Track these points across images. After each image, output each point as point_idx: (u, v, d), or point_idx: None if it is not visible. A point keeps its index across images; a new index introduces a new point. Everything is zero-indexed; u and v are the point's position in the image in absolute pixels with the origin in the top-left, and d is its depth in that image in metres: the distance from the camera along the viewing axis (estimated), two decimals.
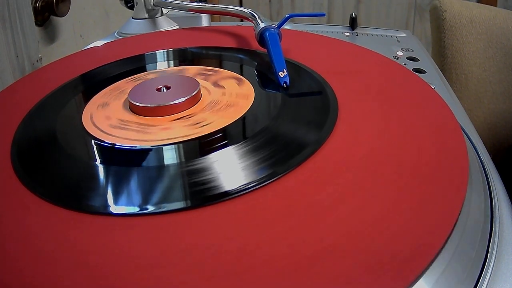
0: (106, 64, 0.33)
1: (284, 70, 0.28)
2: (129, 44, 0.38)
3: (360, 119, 0.23)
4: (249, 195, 0.18)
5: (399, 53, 0.43)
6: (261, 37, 0.32)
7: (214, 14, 0.45)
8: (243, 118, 0.24)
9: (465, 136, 0.27)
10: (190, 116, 0.25)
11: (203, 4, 0.43)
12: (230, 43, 0.36)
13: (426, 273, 0.15)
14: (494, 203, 0.20)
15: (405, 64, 0.40)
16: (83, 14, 0.65)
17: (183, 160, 0.21)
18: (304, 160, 0.20)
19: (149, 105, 0.25)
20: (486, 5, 0.67)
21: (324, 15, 0.34)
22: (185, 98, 0.26)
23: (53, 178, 0.21)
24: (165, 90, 0.27)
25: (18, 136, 0.25)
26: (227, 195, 0.18)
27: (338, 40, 0.36)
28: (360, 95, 0.26)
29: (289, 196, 0.18)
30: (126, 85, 0.30)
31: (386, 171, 0.19)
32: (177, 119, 0.25)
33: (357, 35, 0.49)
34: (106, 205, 0.19)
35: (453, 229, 0.17)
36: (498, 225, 0.19)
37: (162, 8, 0.47)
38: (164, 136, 0.23)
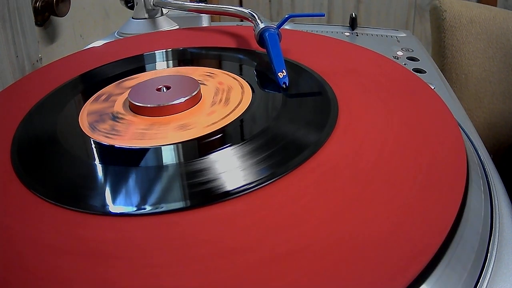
0: (106, 64, 0.33)
1: (284, 70, 0.28)
2: (129, 44, 0.38)
3: (360, 120, 0.23)
4: (248, 196, 0.18)
5: (399, 53, 0.43)
6: (261, 38, 0.32)
7: (214, 14, 0.45)
8: (242, 118, 0.24)
9: (465, 136, 0.27)
10: (189, 117, 0.25)
11: (203, 4, 0.43)
12: (229, 43, 0.36)
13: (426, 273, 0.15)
14: (494, 203, 0.20)
15: (405, 64, 0.40)
16: (83, 14, 0.65)
17: (182, 160, 0.21)
18: (304, 161, 0.20)
19: (149, 105, 0.25)
20: (486, 5, 0.67)
21: (323, 15, 0.34)
22: (185, 98, 0.26)
23: (53, 178, 0.21)
24: (165, 90, 0.27)
25: (18, 136, 0.25)
26: (227, 196, 0.18)
27: (338, 40, 0.36)
28: (360, 95, 0.26)
29: (288, 196, 0.18)
30: (126, 84, 0.30)
31: (385, 171, 0.19)
32: (178, 119, 0.25)
33: (357, 35, 0.49)
34: (106, 205, 0.19)
35: (452, 229, 0.17)
36: (498, 225, 0.19)
37: (162, 8, 0.47)
38: (164, 136, 0.23)
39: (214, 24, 0.52)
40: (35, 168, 0.22)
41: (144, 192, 0.19)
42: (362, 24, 0.52)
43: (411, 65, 0.40)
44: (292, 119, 0.24)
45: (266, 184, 0.19)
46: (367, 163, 0.20)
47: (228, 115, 0.25)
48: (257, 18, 0.34)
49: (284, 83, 0.27)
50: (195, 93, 0.26)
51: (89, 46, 0.43)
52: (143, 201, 0.19)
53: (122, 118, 0.25)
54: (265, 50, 0.31)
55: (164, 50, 0.36)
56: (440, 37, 0.61)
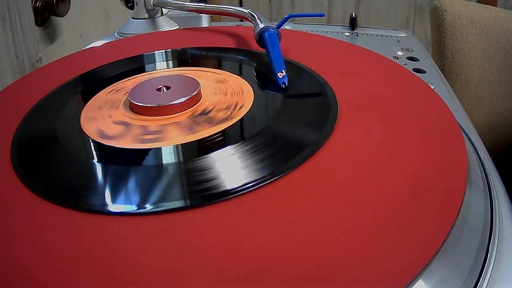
0: (106, 64, 0.33)
1: (283, 70, 0.28)
2: (129, 44, 0.38)
3: (360, 120, 0.23)
4: (248, 195, 0.18)
5: (399, 53, 0.43)
6: (260, 38, 0.32)
7: (214, 14, 0.45)
8: (242, 118, 0.24)
9: (465, 136, 0.27)
10: (189, 117, 0.25)
11: (203, 4, 0.43)
12: (230, 43, 0.36)
13: (426, 273, 0.15)
14: (494, 203, 0.20)
15: (405, 64, 0.40)
16: (83, 14, 0.65)
17: (182, 159, 0.21)
18: (304, 160, 0.20)
19: (149, 105, 0.25)
20: (486, 5, 0.67)
21: (323, 15, 0.34)
22: (185, 98, 0.26)
23: (53, 178, 0.21)
24: (165, 90, 0.27)
25: (18, 136, 0.25)
26: (226, 195, 0.18)
27: (338, 40, 0.36)
28: (360, 96, 0.26)
29: (288, 196, 0.18)
30: (126, 85, 0.30)
31: (386, 171, 0.19)
32: (176, 119, 0.25)
33: (357, 35, 0.49)
34: (106, 204, 0.19)
35: (452, 229, 0.17)
36: (498, 225, 0.19)
37: (162, 8, 0.47)
38: (164, 135, 0.23)
39: (214, 24, 0.52)
40: (35, 168, 0.22)
41: (144, 191, 0.19)
42: (362, 24, 0.52)
43: (411, 65, 0.40)
44: (292, 119, 0.24)
45: (266, 184, 0.19)
46: (367, 162, 0.20)
47: (230, 115, 0.25)
48: (256, 18, 0.34)
49: (284, 83, 0.27)
50: (195, 93, 0.26)
51: (89, 46, 0.43)
52: (143, 200, 0.19)
53: (122, 118, 0.25)
54: (264, 50, 0.31)
55: (164, 50, 0.36)
56: (440, 37, 0.61)
